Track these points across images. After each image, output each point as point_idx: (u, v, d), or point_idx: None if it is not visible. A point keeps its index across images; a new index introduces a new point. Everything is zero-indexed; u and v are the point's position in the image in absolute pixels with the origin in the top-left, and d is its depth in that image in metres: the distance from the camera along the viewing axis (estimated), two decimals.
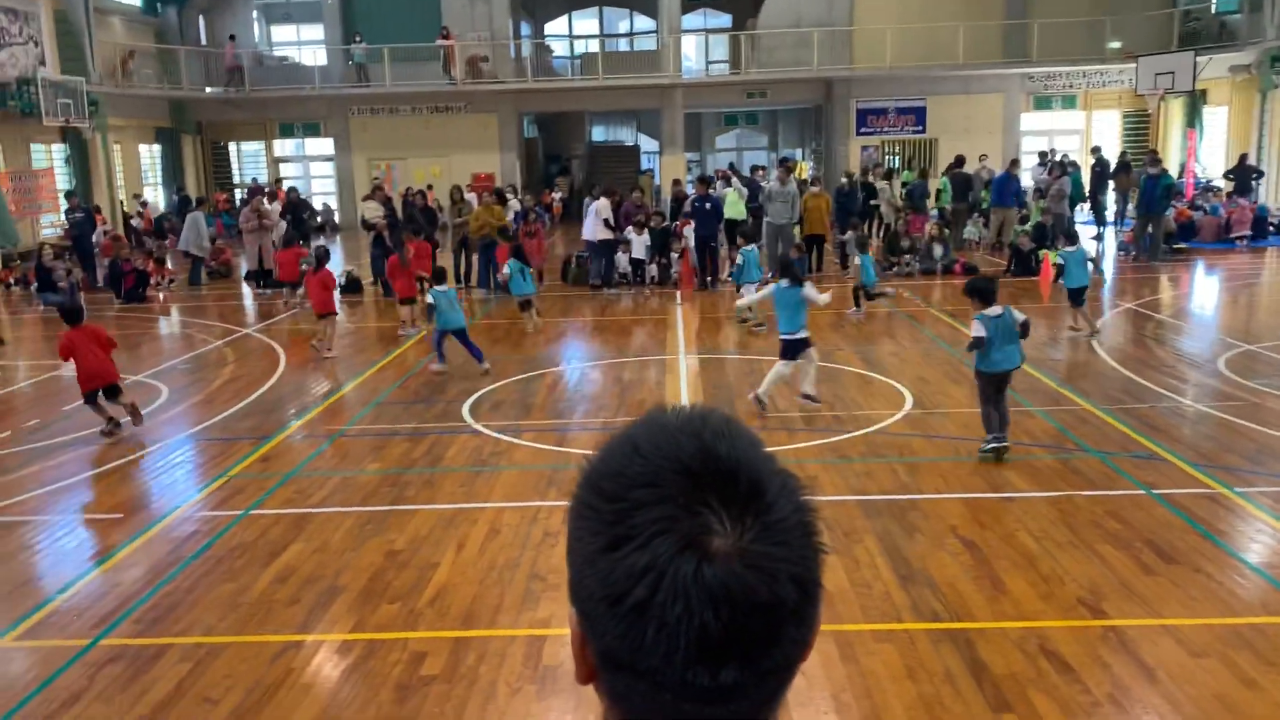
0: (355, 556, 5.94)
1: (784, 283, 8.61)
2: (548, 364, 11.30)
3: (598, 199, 16.67)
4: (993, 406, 7.29)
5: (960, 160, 20.32)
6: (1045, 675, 4.38)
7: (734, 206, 17.44)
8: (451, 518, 6.52)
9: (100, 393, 8.62)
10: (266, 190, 21.06)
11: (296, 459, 8.00)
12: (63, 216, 20.41)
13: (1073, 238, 11.97)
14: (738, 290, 13.64)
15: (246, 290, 17.65)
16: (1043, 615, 4.95)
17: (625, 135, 39.40)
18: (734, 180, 19.00)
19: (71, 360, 8.67)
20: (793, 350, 8.52)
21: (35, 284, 17.07)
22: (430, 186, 23.02)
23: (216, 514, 6.77)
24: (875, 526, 6.12)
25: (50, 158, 23.20)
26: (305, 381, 10.78)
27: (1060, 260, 11.93)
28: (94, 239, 18.58)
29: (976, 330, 7.20)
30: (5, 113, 20.49)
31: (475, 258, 16.31)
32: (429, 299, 10.90)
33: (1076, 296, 11.48)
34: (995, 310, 7.27)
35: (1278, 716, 4.01)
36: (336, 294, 13.08)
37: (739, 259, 13.59)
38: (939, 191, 20.93)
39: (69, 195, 19.85)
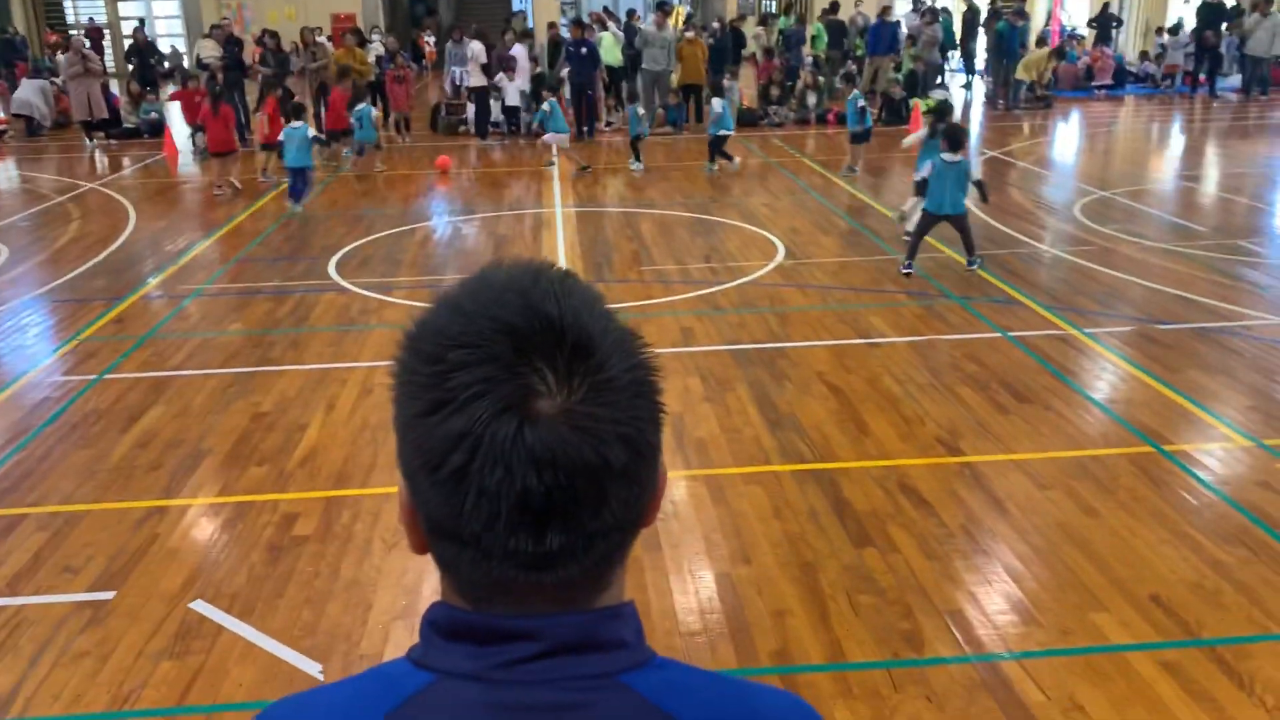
0: (220, 419, 5.77)
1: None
2: (418, 219, 10.97)
3: (463, 41, 15.95)
4: (920, 240, 8.14)
5: (835, 6, 20.09)
6: (904, 510, 4.60)
7: (610, 52, 16.94)
8: (320, 378, 6.37)
9: None
10: (86, 30, 19.34)
11: (153, 320, 7.64)
12: None
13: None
14: (538, 138, 13.53)
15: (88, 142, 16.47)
16: (903, 454, 5.17)
17: None
18: (610, 24, 18.40)
19: None
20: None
21: None
22: (307, 28, 21.79)
23: (69, 379, 6.45)
24: (747, 375, 6.24)
25: None
26: (158, 238, 10.23)
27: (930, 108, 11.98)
28: None
29: (923, 170, 7.88)
30: None
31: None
32: (279, 137, 11.29)
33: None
34: (954, 157, 7.83)
35: (1113, 541, 4.31)
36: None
37: (546, 106, 13.31)
38: (814, 38, 20.73)
39: None
